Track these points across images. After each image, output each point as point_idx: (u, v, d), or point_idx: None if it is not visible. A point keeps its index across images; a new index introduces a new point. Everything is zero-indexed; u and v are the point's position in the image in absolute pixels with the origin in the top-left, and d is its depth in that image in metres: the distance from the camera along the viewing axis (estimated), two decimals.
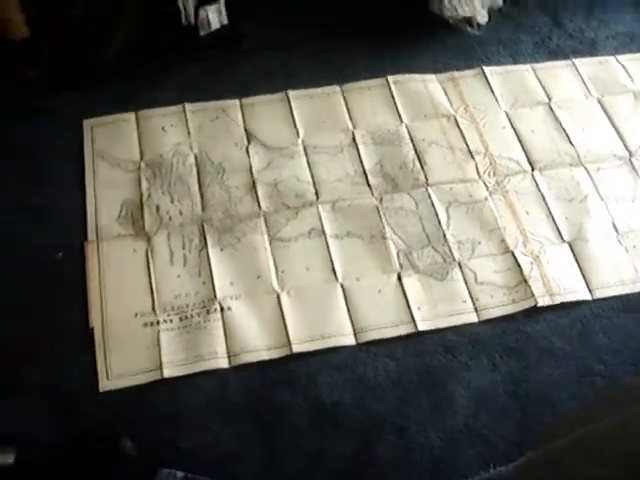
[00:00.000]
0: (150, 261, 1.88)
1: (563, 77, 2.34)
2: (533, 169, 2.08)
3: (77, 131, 2.16)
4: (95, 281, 1.85)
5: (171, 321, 1.79)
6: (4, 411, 1.65)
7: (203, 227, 1.93)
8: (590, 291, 1.87)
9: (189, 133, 2.12)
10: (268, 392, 1.72)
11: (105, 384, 1.72)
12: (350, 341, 1.77)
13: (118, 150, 2.10)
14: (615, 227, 1.99)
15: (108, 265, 1.88)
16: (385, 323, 1.79)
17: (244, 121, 2.16)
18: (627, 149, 2.15)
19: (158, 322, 1.79)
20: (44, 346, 1.75)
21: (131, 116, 2.18)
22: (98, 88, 2.22)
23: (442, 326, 1.81)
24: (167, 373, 1.72)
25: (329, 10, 2.41)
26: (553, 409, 1.71)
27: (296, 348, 1.75)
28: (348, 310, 1.82)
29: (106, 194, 2.01)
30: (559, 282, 1.87)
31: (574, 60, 2.39)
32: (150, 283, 1.85)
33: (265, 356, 1.75)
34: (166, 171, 2.05)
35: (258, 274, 1.85)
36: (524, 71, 2.34)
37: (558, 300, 1.85)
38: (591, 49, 2.43)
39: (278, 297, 1.82)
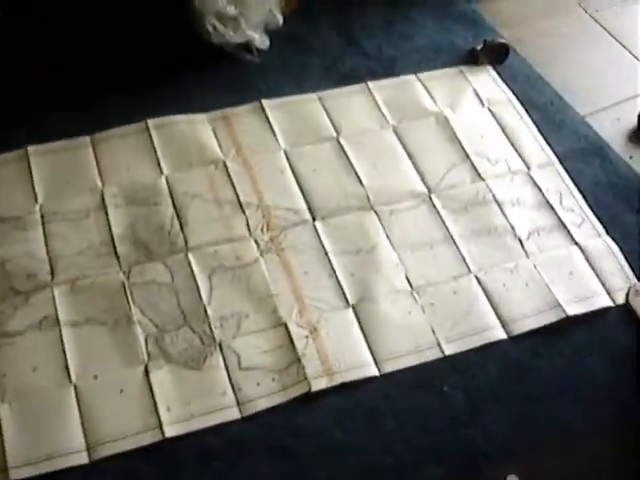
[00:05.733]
0: None
1: (355, 105, 2.04)
2: (314, 219, 1.77)
3: None
4: None
5: None
6: None
7: None
8: (377, 365, 1.58)
9: None
10: None
11: None
12: (82, 459, 1.46)
13: None
14: (409, 281, 1.69)
15: None
16: (126, 432, 1.47)
17: None
18: (426, 185, 1.87)
19: None
20: None
21: None
22: None
23: (196, 428, 1.46)
24: None
25: (66, 48, 2.04)
26: None
27: (14, 474, 1.41)
28: (82, 419, 1.47)
29: None
30: (340, 357, 1.58)
31: (369, 83, 2.10)
32: None
33: None
34: None
35: None
36: (310, 101, 2.03)
37: (338, 380, 1.56)
38: (390, 69, 2.16)
39: None
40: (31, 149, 1.87)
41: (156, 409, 1.50)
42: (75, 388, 1.53)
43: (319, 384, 1.54)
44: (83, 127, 1.92)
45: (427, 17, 2.34)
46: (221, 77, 2.07)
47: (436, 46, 2.25)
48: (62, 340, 1.58)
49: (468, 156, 1.95)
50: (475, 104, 2.10)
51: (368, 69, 2.16)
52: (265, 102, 2.01)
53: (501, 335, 1.66)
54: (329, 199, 1.83)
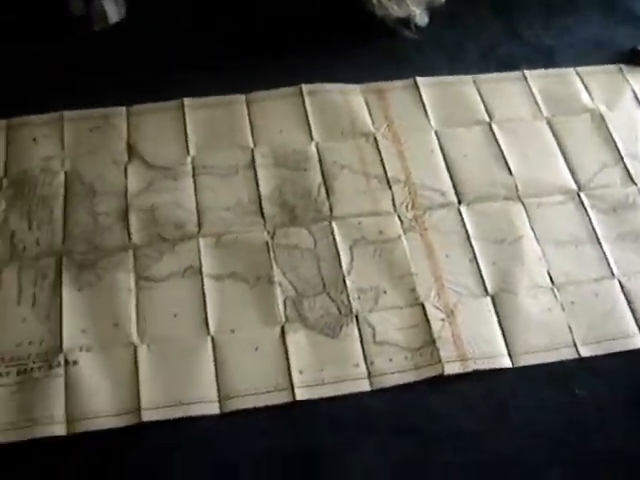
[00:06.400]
0: None
1: (510, 92, 2.00)
2: (460, 202, 1.74)
3: None
4: None
5: (7, 374, 1.51)
6: None
7: (61, 261, 1.63)
8: (511, 357, 1.56)
9: (63, 146, 1.80)
10: (110, 471, 1.41)
11: None
12: (213, 410, 1.48)
13: None
14: (551, 277, 1.65)
15: None
16: (257, 389, 1.50)
17: (128, 133, 1.84)
18: (576, 182, 1.82)
19: None
20: None
21: (1, 123, 1.82)
22: None
23: (326, 395, 1.48)
24: None
25: (234, 7, 2.05)
26: None
27: (147, 416, 1.45)
28: (216, 370, 1.50)
29: None
30: (474, 345, 1.55)
31: (525, 72, 2.04)
32: None
33: (109, 424, 1.44)
34: (29, 191, 1.74)
35: (115, 321, 1.55)
36: (464, 83, 2.00)
37: (471, 367, 1.54)
38: (547, 59, 2.09)
39: (135, 350, 1.51)
40: (187, 101, 1.90)
41: (289, 371, 1.51)
42: (212, 340, 1.55)
43: (452, 368, 1.53)
44: (237, 87, 1.92)
45: (590, 10, 2.26)
46: (377, 50, 2.06)
47: (596, 41, 2.18)
48: (204, 291, 1.60)
49: (622, 158, 1.89)
50: (633, 105, 2.03)
51: (525, 57, 2.11)
52: (419, 80, 1.99)
53: None
54: (476, 184, 1.80)
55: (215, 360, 1.53)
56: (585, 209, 1.78)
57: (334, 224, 1.70)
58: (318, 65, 1.99)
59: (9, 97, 1.91)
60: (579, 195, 1.81)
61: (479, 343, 1.57)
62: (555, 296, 1.64)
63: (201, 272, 1.62)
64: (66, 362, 1.51)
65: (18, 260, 1.64)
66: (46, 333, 1.55)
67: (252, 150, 1.82)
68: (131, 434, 1.45)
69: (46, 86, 1.93)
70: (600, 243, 1.73)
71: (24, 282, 1.62)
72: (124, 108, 1.89)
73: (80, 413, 1.46)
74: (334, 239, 1.68)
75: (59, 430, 1.44)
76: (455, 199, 1.77)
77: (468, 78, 2.01)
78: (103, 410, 1.47)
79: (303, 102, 1.91)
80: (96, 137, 1.85)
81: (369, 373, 1.52)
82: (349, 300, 1.59)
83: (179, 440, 1.46)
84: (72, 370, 1.51)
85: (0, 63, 1.94)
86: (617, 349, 1.60)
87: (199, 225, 1.69)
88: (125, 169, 1.78)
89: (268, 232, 1.68)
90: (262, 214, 1.71)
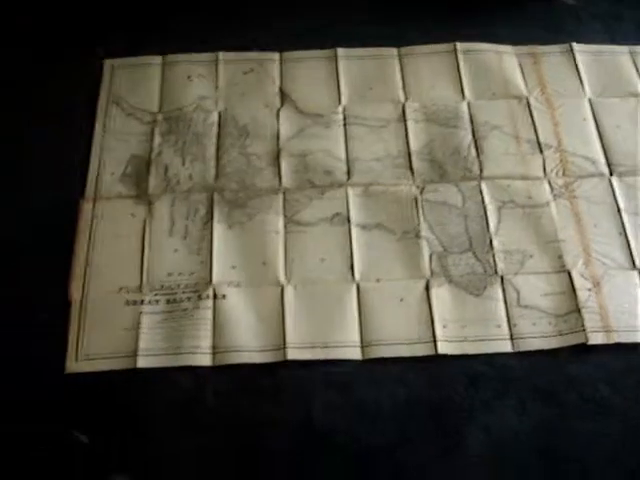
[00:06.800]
0: (147, 229, 1.64)
1: None
2: (612, 173, 1.71)
3: (97, 70, 1.88)
4: (83, 246, 1.63)
5: (157, 302, 1.55)
6: None
7: (212, 197, 1.67)
8: None
9: (217, 86, 1.85)
10: (250, 402, 1.48)
11: (72, 366, 1.50)
12: (356, 355, 1.50)
13: (136, 97, 1.85)
14: None
15: (101, 228, 1.66)
16: (400, 339, 1.50)
17: (281, 78, 1.87)
18: None
19: (142, 301, 1.56)
20: (15, 311, 1.55)
21: (157, 59, 1.89)
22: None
23: (468, 352, 1.49)
24: (141, 363, 1.50)
25: None
26: (587, 476, 1.35)
27: (292, 354, 1.49)
28: (360, 317, 1.52)
29: (114, 146, 1.78)
30: (620, 317, 1.54)
31: None
32: (142, 255, 1.61)
33: (253, 358, 1.49)
34: (183, 127, 1.78)
35: (264, 260, 1.59)
36: (621, 54, 1.94)
37: (614, 339, 1.52)
38: None
39: (282, 290, 1.55)
40: (340, 51, 1.91)
41: (432, 324, 1.52)
42: (357, 287, 1.57)
43: (596, 339, 1.52)
44: (390, 39, 1.92)
45: None
46: (533, 14, 2.03)
47: None
48: (351, 239, 1.62)
49: None
50: None
51: None
52: (576, 46, 1.95)
53: None
54: (629, 156, 1.77)
55: (359, 307, 1.55)
56: None
57: (483, 184, 1.69)
58: (472, 23, 1.95)
59: (164, 33, 1.95)
60: None
61: (624, 316, 1.55)
62: None
63: (349, 220, 1.64)
64: (215, 295, 1.55)
65: (171, 193, 1.68)
66: (196, 265, 1.59)
67: (403, 105, 1.82)
68: (270, 371, 1.49)
69: (202, 25, 1.96)
70: None
71: (176, 215, 1.66)
72: (277, 54, 1.91)
73: (226, 346, 1.51)
74: (482, 199, 1.67)
75: (205, 360, 1.49)
76: (606, 170, 1.74)
77: (624, 48, 1.96)
78: (248, 345, 1.51)
79: (457, 59, 1.90)
80: (249, 80, 1.88)
81: (511, 335, 1.52)
82: (494, 261, 1.59)
83: (318, 380, 1.47)
84: (220, 303, 1.55)
85: None
86: None
87: (348, 173, 1.70)
88: (277, 113, 1.81)
89: (417, 187, 1.69)
90: (411, 168, 1.72)
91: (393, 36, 1.94)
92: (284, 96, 1.84)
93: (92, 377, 1.50)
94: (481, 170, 1.71)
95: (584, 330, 1.52)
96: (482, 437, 1.44)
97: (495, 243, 1.62)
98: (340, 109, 1.81)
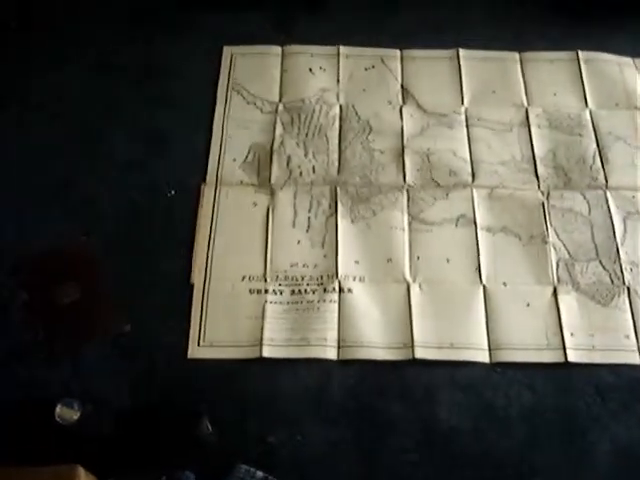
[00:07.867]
0: (270, 218, 1.64)
1: None
2: None
3: (217, 57, 1.87)
4: (205, 230, 1.63)
5: (281, 293, 1.55)
6: (81, 366, 1.48)
7: (336, 191, 1.66)
8: None
9: (338, 80, 1.85)
10: (376, 398, 1.48)
11: (194, 351, 1.50)
12: (483, 358, 1.49)
13: (257, 86, 1.85)
14: None
15: (223, 214, 1.66)
16: (528, 344, 1.50)
17: (402, 76, 1.86)
18: None
19: (267, 291, 1.56)
20: (137, 295, 1.55)
21: (277, 49, 1.89)
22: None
23: (597, 361, 1.48)
24: (267, 352, 1.49)
25: None
26: None
27: (419, 353, 1.49)
28: (487, 320, 1.51)
29: (235, 133, 1.78)
30: None
31: None
32: (266, 244, 1.61)
33: (381, 355, 1.49)
34: (306, 119, 1.78)
35: (389, 257, 1.58)
36: None
37: None
38: None
39: (408, 288, 1.55)
40: (462, 52, 1.91)
41: (561, 331, 1.52)
42: (484, 289, 1.56)
43: None
44: (510, 44, 1.93)
45: None
46: None
47: None
48: (477, 241, 1.61)
49: None
50: None
51: None
52: None
53: None
54: None
55: (486, 309, 1.54)
56: None
57: (608, 194, 1.69)
58: (594, 33, 1.94)
59: (284, 25, 1.97)
60: None
61: None
62: None
63: (475, 222, 1.63)
64: (340, 289, 1.55)
65: (294, 184, 1.69)
66: (320, 258, 1.60)
67: (526, 109, 1.81)
68: (397, 369, 1.50)
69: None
70: None
71: (299, 206, 1.66)
72: (398, 51, 1.90)
73: (352, 341, 1.51)
74: (608, 208, 1.66)
75: (331, 354, 1.50)
76: None
77: None
78: (374, 341, 1.51)
79: (579, 68, 1.89)
80: (371, 76, 1.87)
81: (639, 347, 1.50)
82: (622, 271, 1.59)
83: (444, 380, 1.48)
84: (346, 297, 1.55)
85: None
86: None
87: (473, 175, 1.70)
88: (400, 111, 1.80)
89: (542, 192, 1.68)
90: (536, 173, 1.71)
91: (512, 38, 1.92)
92: (406, 93, 1.84)
93: (214, 364, 1.50)
94: (607, 180, 1.71)
95: None
96: (609, 447, 1.42)
97: (622, 253, 1.63)
98: (462, 110, 1.81)
